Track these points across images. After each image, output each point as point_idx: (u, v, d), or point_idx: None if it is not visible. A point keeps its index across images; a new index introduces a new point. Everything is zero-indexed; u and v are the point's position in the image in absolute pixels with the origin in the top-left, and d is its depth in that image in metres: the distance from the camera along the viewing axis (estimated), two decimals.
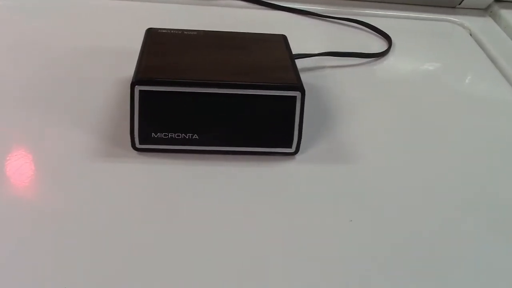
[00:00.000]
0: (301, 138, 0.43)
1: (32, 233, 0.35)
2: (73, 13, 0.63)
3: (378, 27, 0.66)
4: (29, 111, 0.46)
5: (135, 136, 0.42)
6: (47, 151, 0.42)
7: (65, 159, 0.41)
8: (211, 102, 0.41)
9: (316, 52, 0.58)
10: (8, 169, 0.40)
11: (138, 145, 0.42)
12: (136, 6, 0.66)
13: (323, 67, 0.57)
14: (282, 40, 0.49)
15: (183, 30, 0.49)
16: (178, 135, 0.42)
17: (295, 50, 0.48)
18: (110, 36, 0.59)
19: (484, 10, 0.77)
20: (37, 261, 0.33)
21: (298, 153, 0.44)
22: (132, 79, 0.40)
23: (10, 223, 0.36)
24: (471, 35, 0.71)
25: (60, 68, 0.52)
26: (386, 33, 0.65)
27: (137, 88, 0.40)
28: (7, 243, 0.34)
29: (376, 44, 0.64)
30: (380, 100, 0.54)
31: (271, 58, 0.46)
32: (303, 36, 0.65)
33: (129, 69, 0.49)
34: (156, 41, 0.46)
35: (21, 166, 0.40)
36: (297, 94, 0.42)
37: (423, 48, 0.66)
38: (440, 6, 0.75)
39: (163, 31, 0.48)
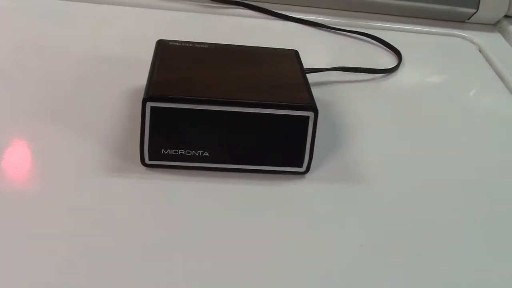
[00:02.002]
0: (312, 157, 0.43)
1: (38, 247, 0.35)
2: (81, 20, 0.63)
3: (388, 41, 0.66)
4: (36, 122, 0.45)
5: (144, 152, 0.41)
6: (54, 164, 0.41)
7: (72, 173, 0.41)
8: (223, 120, 0.40)
9: (326, 66, 0.57)
10: (14, 182, 0.40)
11: (147, 161, 0.41)
12: (146, 14, 0.66)
13: (333, 82, 0.57)
14: (294, 56, 0.49)
15: (194, 43, 0.48)
16: (188, 152, 0.41)
17: (304, 62, 0.48)
18: (118, 44, 0.58)
19: (493, 26, 0.77)
20: (44, 276, 0.33)
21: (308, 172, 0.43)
22: (144, 95, 0.40)
23: (17, 236, 0.35)
24: (480, 51, 0.71)
25: (68, 77, 0.52)
26: (396, 48, 0.65)
27: (149, 105, 0.39)
28: (14, 256, 0.34)
29: (385, 59, 0.64)
30: (390, 116, 0.54)
31: (284, 75, 0.45)
32: (313, 48, 0.65)
33: (139, 79, 0.49)
34: (167, 55, 0.46)
35: (27, 179, 0.40)
36: (310, 114, 0.41)
37: (432, 64, 0.66)
38: (450, 21, 0.75)
39: (174, 43, 0.48)
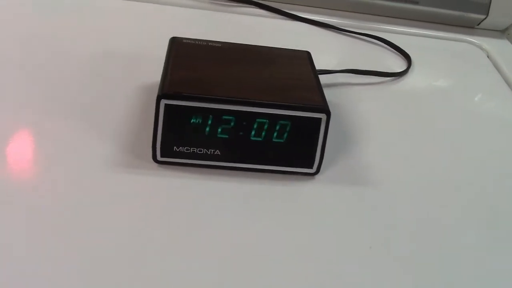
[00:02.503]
0: (322, 159, 0.43)
1: (49, 243, 0.35)
2: (96, 15, 0.63)
3: (398, 45, 0.66)
4: (49, 117, 0.45)
5: (157, 149, 0.41)
6: (66, 160, 0.42)
7: (84, 169, 0.41)
8: (235, 119, 0.41)
9: (336, 67, 0.58)
10: (26, 177, 0.40)
11: (159, 158, 0.42)
12: (160, 10, 0.66)
13: (343, 84, 0.57)
14: (306, 57, 0.49)
15: (207, 41, 0.48)
16: (200, 150, 0.42)
17: (315, 63, 0.48)
18: (131, 40, 0.58)
19: (502, 32, 0.77)
20: (54, 272, 0.33)
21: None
22: (158, 92, 0.40)
23: (27, 231, 0.35)
24: (488, 57, 0.71)
25: (81, 72, 0.52)
26: (406, 52, 0.65)
27: (163, 102, 0.40)
28: (25, 251, 0.34)
29: (395, 62, 0.64)
30: (399, 120, 0.54)
31: (297, 76, 0.46)
32: (323, 49, 0.65)
33: (152, 76, 0.49)
34: (181, 52, 0.46)
35: (39, 175, 0.40)
36: (323, 116, 0.41)
37: (441, 69, 0.66)
38: (459, 26, 0.75)
39: (188, 41, 0.48)
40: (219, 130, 0.41)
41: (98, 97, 0.49)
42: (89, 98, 0.48)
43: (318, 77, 0.46)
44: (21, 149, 0.42)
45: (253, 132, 0.41)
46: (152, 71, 0.48)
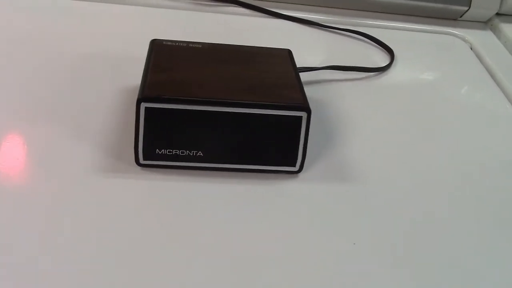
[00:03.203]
0: (305, 157, 0.43)
1: (32, 249, 0.35)
2: (77, 17, 0.63)
3: (380, 39, 0.66)
4: (30, 120, 0.45)
5: (139, 152, 0.41)
6: (47, 164, 0.41)
7: (66, 173, 0.41)
8: (217, 120, 0.41)
9: (319, 64, 0.58)
10: (6, 182, 0.40)
11: (141, 161, 0.42)
12: (139, 11, 0.66)
13: (326, 81, 0.57)
14: (287, 55, 0.49)
15: (188, 43, 0.48)
16: (182, 152, 0.42)
17: (297, 61, 0.48)
18: (112, 42, 0.58)
19: (485, 24, 0.77)
20: (37, 279, 0.33)
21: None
22: (138, 96, 0.40)
23: (11, 238, 0.35)
24: (471, 48, 0.72)
25: (62, 75, 0.52)
26: (389, 46, 0.65)
27: (143, 105, 0.40)
28: (9, 260, 0.34)
29: (378, 57, 0.64)
30: (382, 115, 0.54)
31: (277, 75, 0.46)
32: (305, 46, 0.65)
33: (133, 78, 0.49)
34: (161, 55, 0.46)
35: (20, 179, 0.40)
36: (303, 114, 0.41)
37: (424, 62, 0.66)
38: (442, 18, 0.76)
39: (168, 43, 0.48)
40: (201, 131, 0.41)
41: (79, 100, 0.49)
42: (70, 101, 0.48)
43: (299, 75, 0.46)
44: (1, 154, 0.42)
45: (234, 132, 0.41)
46: (134, 73, 0.48)
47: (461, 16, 0.76)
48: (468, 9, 0.74)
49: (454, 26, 0.75)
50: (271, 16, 0.69)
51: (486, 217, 0.44)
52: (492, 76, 0.66)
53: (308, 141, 0.43)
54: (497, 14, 0.77)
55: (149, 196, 0.40)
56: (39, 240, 0.36)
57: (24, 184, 0.40)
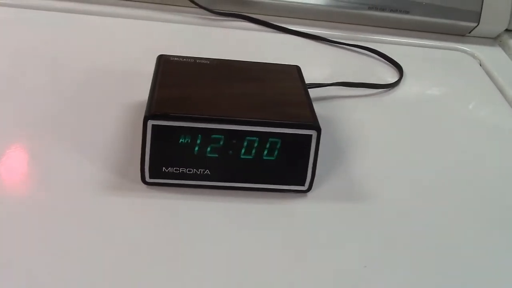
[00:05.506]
0: (314, 176, 0.42)
1: (35, 267, 0.34)
2: (83, 32, 0.62)
3: (389, 55, 0.66)
4: (35, 137, 0.45)
5: (145, 170, 0.40)
6: (52, 181, 0.41)
7: (71, 190, 0.40)
8: (225, 138, 0.40)
9: (327, 80, 0.57)
10: (10, 198, 0.39)
11: (148, 179, 0.41)
12: (147, 26, 0.65)
13: (334, 97, 0.57)
14: (296, 72, 0.48)
15: (195, 58, 0.48)
16: (189, 170, 0.41)
17: (305, 76, 0.48)
18: (119, 57, 0.58)
19: (494, 40, 0.77)
20: None
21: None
22: (145, 113, 0.39)
23: (13, 255, 0.35)
24: (480, 65, 0.71)
25: (69, 90, 0.51)
26: (397, 63, 0.64)
27: (150, 123, 0.39)
28: (13, 276, 0.33)
29: (387, 73, 0.64)
30: (392, 132, 0.53)
31: (286, 92, 0.45)
32: (314, 62, 0.64)
33: (140, 93, 0.49)
34: (169, 71, 0.45)
35: (25, 195, 0.39)
36: (313, 132, 0.41)
37: (434, 78, 0.66)
38: (451, 34, 0.75)
39: (175, 59, 0.47)
40: (208, 149, 0.40)
41: (86, 115, 0.48)
42: (76, 117, 0.48)
43: (308, 92, 0.45)
44: (4, 168, 0.41)
45: (243, 151, 0.41)
46: (141, 88, 0.47)
47: (470, 32, 0.75)
48: (477, 25, 0.74)
49: (463, 42, 0.74)
50: (279, 32, 0.68)
51: (502, 239, 0.43)
52: (502, 92, 0.65)
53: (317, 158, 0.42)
54: (506, 30, 0.76)
55: (155, 215, 0.40)
56: (42, 258, 0.35)
57: (28, 200, 0.39)
